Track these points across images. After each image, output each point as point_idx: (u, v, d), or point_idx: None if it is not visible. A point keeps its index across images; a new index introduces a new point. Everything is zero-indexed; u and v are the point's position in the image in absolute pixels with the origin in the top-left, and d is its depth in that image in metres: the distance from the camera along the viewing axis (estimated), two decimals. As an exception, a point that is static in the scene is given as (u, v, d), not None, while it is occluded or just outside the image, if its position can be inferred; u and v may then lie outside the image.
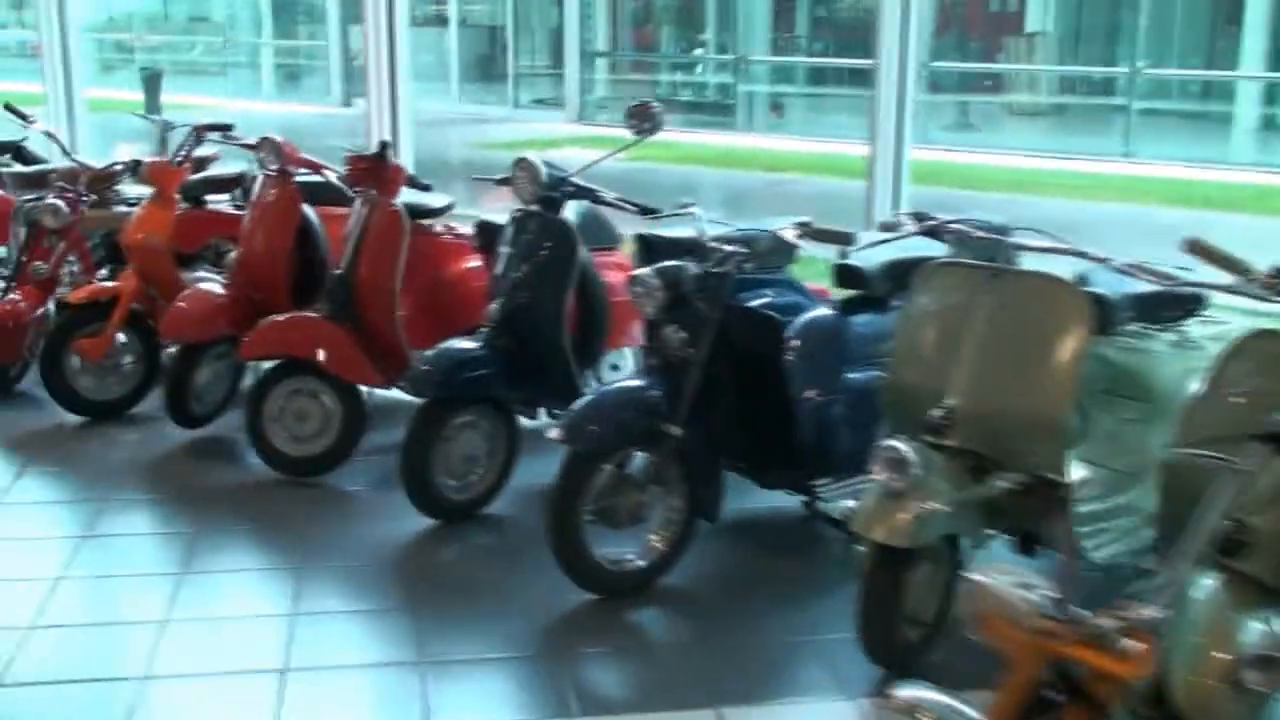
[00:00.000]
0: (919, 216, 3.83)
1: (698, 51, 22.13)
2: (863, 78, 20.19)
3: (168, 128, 5.96)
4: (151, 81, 19.74)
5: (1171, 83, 19.01)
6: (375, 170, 4.96)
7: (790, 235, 3.96)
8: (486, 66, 23.75)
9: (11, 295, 5.87)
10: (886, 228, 3.93)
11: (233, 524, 4.63)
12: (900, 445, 3.33)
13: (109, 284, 5.72)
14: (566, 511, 3.89)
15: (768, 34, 20.15)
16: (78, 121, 8.55)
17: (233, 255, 5.36)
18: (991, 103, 19.98)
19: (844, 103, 19.61)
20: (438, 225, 5.70)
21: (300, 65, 26.03)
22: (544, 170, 4.52)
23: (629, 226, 5.01)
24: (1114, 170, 15.35)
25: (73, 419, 5.66)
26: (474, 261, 5.40)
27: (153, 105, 18.22)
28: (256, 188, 5.45)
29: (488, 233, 5.09)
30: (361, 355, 4.91)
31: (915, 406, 3.52)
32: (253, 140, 5.45)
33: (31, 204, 6.92)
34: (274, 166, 5.31)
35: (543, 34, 23.86)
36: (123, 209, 6.37)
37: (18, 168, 7.36)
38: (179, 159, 5.69)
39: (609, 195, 4.57)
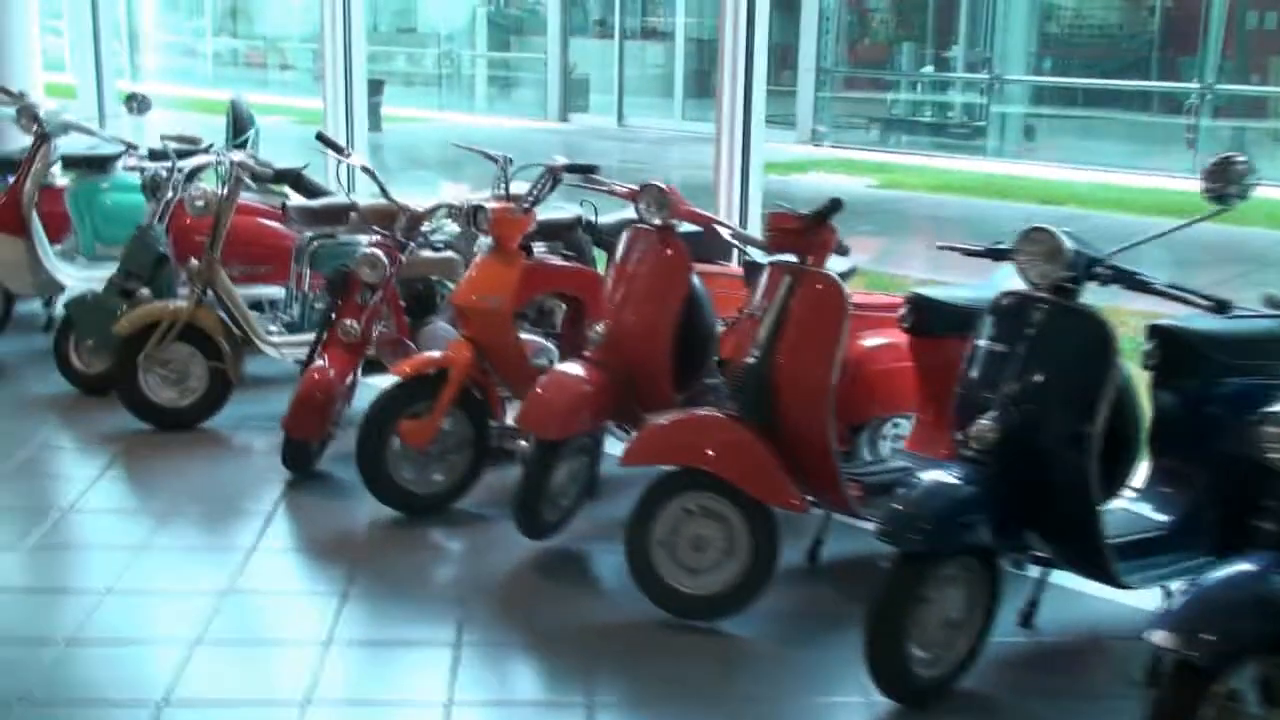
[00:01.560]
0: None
1: (927, 69, 20.72)
2: (1114, 99, 18.65)
3: (508, 164, 4.96)
4: (372, 90, 19.23)
5: None
6: (806, 233, 3.86)
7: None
8: (702, 82, 22.70)
9: (318, 362, 4.95)
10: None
11: (639, 700, 3.59)
12: None
13: (435, 354, 4.75)
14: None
15: (1024, 51, 18.62)
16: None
17: (599, 329, 4.32)
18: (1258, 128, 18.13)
19: (1096, 126, 18.00)
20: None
21: (513, 78, 25.38)
22: (1068, 246, 3.36)
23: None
24: None
25: (386, 513, 4.70)
26: (889, 337, 4.30)
27: (374, 117, 17.68)
28: (626, 244, 4.42)
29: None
30: (781, 469, 3.81)
31: None
32: (629, 188, 4.43)
33: (322, 243, 6.10)
34: (657, 220, 4.26)
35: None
36: (431, 254, 5.44)
37: (298, 199, 6.54)
38: (528, 204, 4.69)
39: (1159, 284, 3.36)
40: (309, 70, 27.41)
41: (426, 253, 5.46)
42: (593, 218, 5.34)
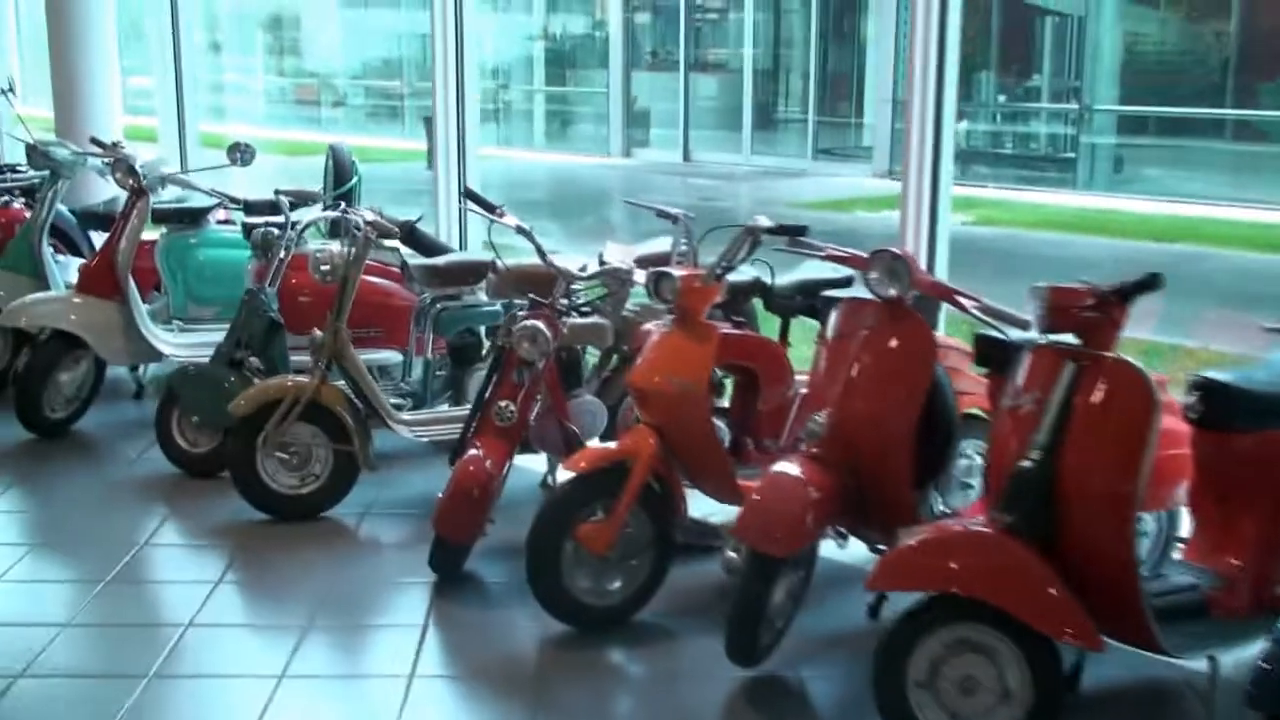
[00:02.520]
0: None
1: (1001, 98, 20.01)
2: (1184, 127, 17.80)
3: (688, 221, 4.33)
4: (431, 125, 18.68)
5: None
6: (1094, 311, 3.20)
7: None
8: (765, 115, 22.08)
9: (472, 451, 4.32)
10: None
11: None
12: None
13: (611, 445, 4.11)
14: None
15: (1115, 81, 17.87)
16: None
17: (820, 420, 3.66)
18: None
19: (1187, 156, 17.25)
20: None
21: (571, 112, 24.84)
22: None
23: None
24: None
25: (556, 628, 4.05)
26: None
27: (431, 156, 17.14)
28: (846, 317, 3.78)
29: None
30: (1070, 598, 3.13)
31: None
32: (853, 254, 3.79)
33: (445, 306, 5.50)
34: (893, 291, 3.61)
35: (802, 76, 21.80)
36: (579, 319, 4.81)
37: (416, 257, 5.93)
38: (720, 270, 4.05)
39: None
40: (360, 107, 27.05)
41: (573, 318, 4.84)
42: (769, 280, 4.72)
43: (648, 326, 4.71)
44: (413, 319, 5.73)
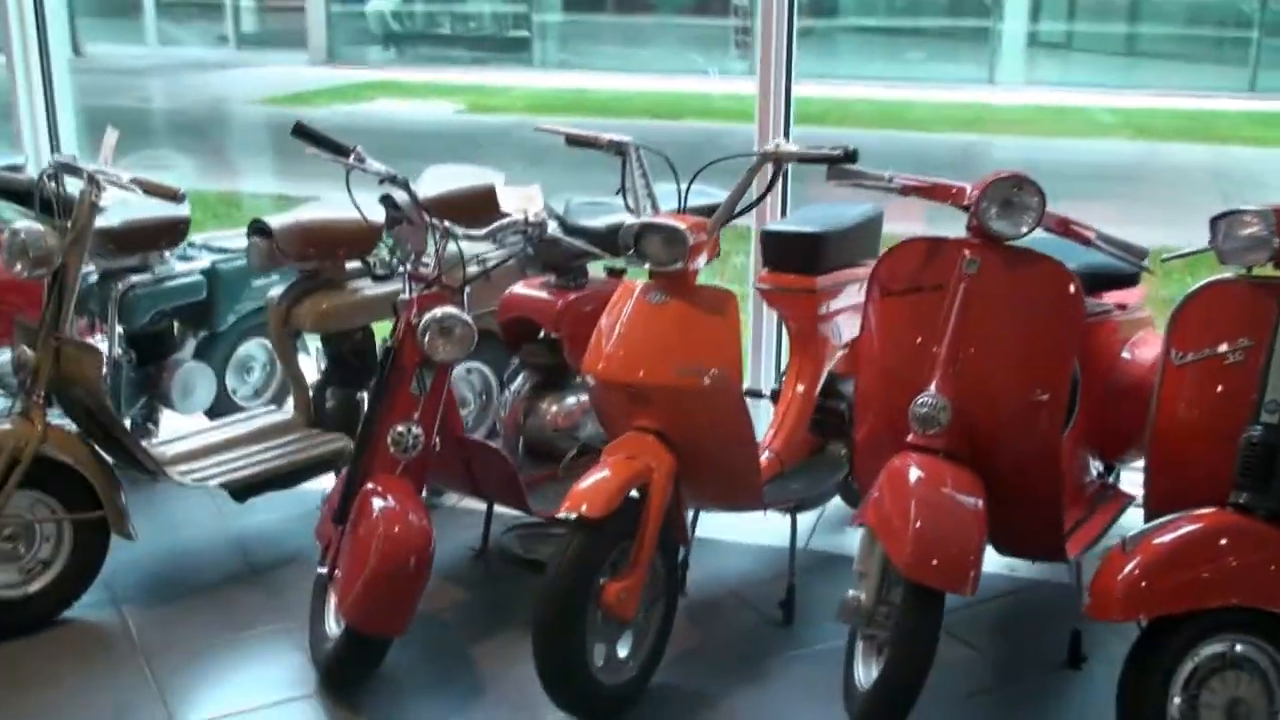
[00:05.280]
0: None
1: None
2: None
3: (638, 151, 3.16)
4: None
5: None
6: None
7: None
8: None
9: (376, 503, 2.95)
10: None
11: None
12: None
13: (610, 472, 2.96)
14: None
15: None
16: None
17: (934, 401, 2.78)
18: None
19: (635, 32, 17.39)
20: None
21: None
22: None
23: None
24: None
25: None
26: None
27: None
28: (913, 266, 2.91)
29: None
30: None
31: None
32: (953, 185, 2.89)
33: (130, 286, 3.95)
34: (1023, 228, 2.78)
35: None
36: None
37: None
38: (726, 218, 2.98)
39: None
40: None
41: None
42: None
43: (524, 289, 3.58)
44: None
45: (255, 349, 4.55)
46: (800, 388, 3.61)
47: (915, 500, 2.68)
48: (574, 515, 2.79)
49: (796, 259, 3.51)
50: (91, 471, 3.30)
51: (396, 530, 2.91)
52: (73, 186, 3.45)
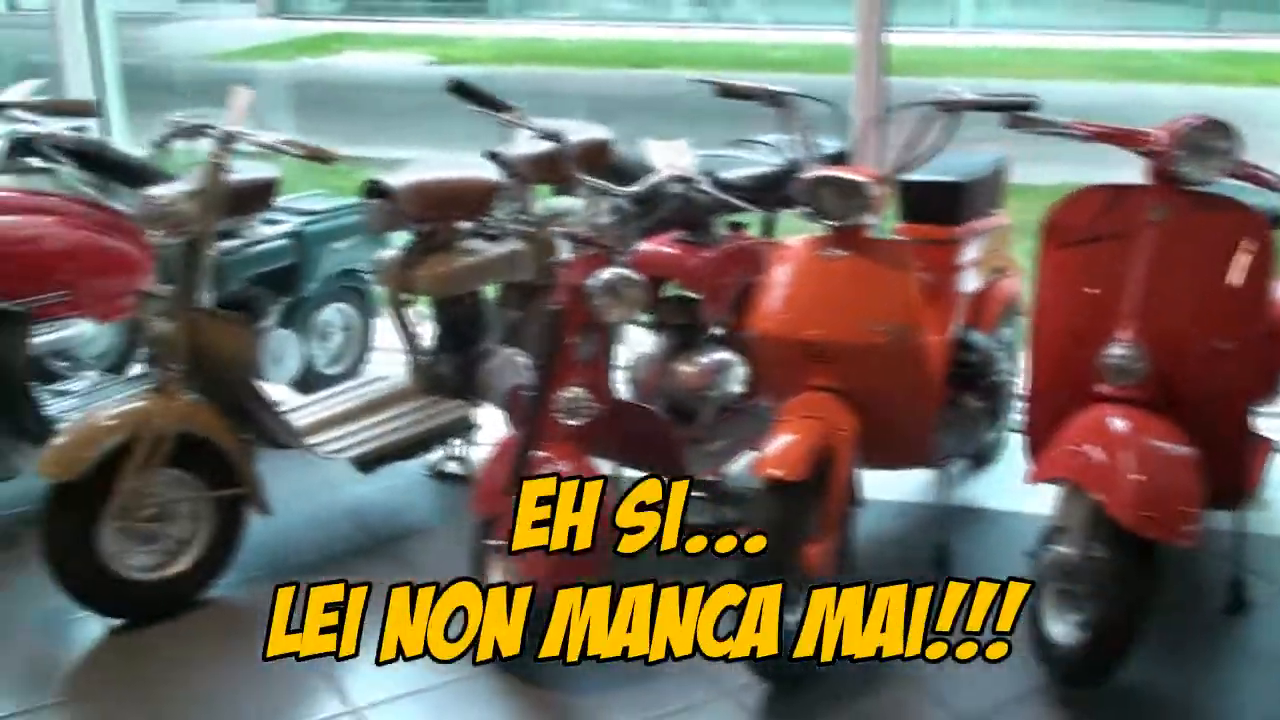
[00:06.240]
0: None
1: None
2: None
3: (796, 103, 3.07)
4: None
5: None
6: None
7: None
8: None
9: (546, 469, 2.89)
10: None
11: None
12: None
13: (794, 435, 2.90)
14: None
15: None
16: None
17: (1128, 351, 2.75)
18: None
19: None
20: None
21: None
22: None
23: None
24: None
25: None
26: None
27: None
28: (1096, 214, 2.87)
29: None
30: None
31: None
32: (1136, 130, 2.84)
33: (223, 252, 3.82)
34: (1216, 175, 2.75)
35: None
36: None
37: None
38: (901, 169, 2.91)
39: None
40: None
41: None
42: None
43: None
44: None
45: (333, 314, 4.43)
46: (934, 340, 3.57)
47: (1131, 452, 2.65)
48: (773, 478, 2.74)
49: (937, 209, 3.45)
50: (231, 447, 3.18)
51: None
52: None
